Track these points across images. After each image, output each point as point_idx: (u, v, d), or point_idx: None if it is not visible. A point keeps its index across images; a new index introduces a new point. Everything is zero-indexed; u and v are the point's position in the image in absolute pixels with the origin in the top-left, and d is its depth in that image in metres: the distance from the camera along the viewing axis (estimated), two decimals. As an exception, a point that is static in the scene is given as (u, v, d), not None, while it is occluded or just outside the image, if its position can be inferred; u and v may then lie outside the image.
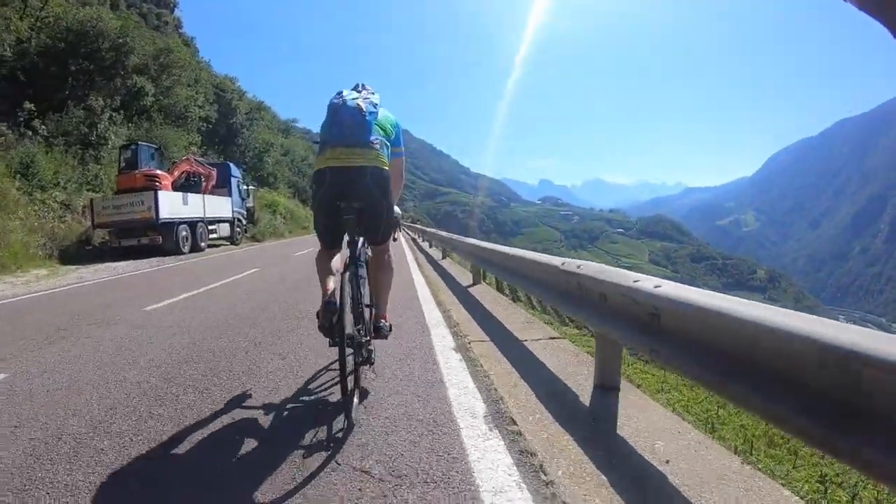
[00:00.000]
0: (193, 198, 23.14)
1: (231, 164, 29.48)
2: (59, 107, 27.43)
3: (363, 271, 4.26)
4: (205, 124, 42.03)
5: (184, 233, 21.96)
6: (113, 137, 27.31)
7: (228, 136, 49.15)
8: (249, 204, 33.51)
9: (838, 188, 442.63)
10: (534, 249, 8.90)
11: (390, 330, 4.28)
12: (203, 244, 23.70)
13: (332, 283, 3.91)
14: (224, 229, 26.69)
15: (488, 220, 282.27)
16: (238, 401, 4.12)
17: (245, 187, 30.57)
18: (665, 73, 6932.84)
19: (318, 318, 3.81)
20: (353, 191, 3.72)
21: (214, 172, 26.13)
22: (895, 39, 0.86)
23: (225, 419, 3.75)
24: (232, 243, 27.88)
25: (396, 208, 4.30)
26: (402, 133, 4.33)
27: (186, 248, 22.01)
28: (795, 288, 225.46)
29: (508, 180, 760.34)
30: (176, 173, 23.50)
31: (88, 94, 28.39)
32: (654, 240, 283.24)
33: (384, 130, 3.98)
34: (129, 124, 31.63)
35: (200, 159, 26.99)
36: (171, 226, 21.07)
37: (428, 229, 30.65)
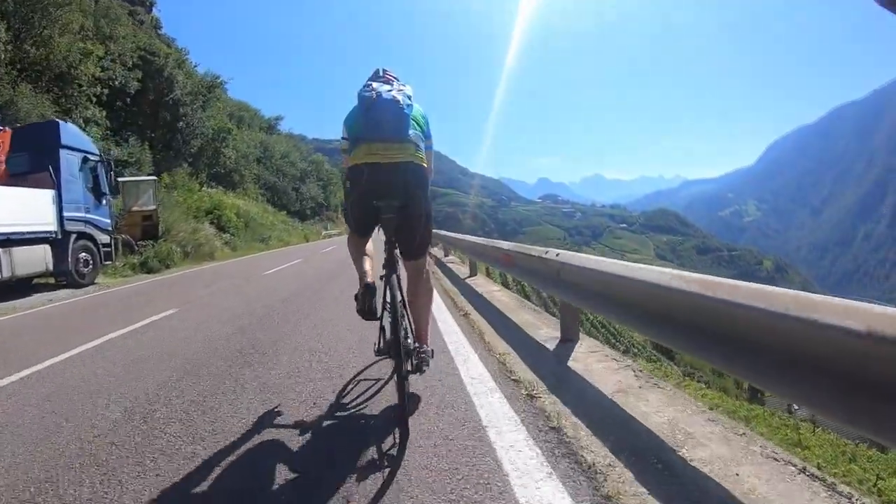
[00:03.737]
0: None
1: (64, 125, 14.60)
2: None
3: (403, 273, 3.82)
4: (106, 91, 27.31)
5: None
6: None
7: (174, 120, 35.16)
8: (149, 206, 20.29)
9: (838, 174, 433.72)
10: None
11: (432, 356, 3.82)
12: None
13: (368, 265, 3.70)
14: (34, 258, 12.69)
15: (489, 220, 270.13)
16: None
17: (110, 172, 15.79)
18: (658, 65, 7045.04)
19: (356, 300, 3.63)
20: (393, 188, 3.43)
21: (6, 139, 12.68)
22: None
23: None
24: (69, 283, 13.90)
25: None
26: (429, 124, 3.88)
27: None
28: (802, 277, 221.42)
29: (507, 179, 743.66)
30: None
31: None
32: (659, 234, 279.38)
33: (418, 124, 3.67)
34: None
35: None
36: None
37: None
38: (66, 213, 13.63)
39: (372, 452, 3.03)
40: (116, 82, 28.46)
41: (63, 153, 13.84)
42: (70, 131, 14.63)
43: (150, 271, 17.83)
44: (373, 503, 2.51)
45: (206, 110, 38.92)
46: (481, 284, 10.98)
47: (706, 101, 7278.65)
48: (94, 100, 26.08)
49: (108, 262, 15.81)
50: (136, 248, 18.88)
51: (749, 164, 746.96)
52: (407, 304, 3.76)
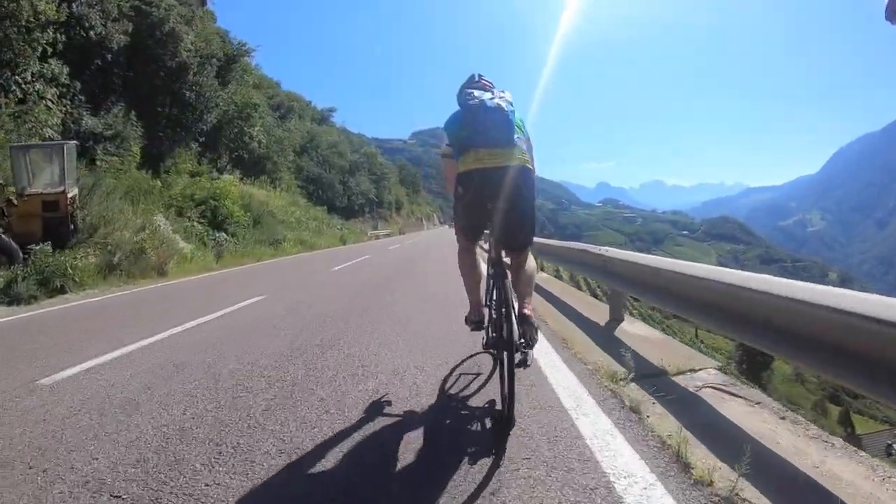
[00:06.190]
0: None
1: None
2: None
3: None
4: (63, 38, 18.88)
5: None
6: None
7: (181, 90, 26.44)
8: (57, 188, 12.25)
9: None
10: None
11: (537, 330, 3.55)
12: None
13: (481, 290, 4.02)
14: None
15: (549, 224, 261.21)
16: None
17: None
18: (721, 70, 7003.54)
19: (466, 322, 3.99)
20: (502, 190, 3.44)
21: None
22: None
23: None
24: None
25: None
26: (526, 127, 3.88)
27: None
28: (867, 292, 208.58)
29: (567, 183, 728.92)
30: None
31: None
32: (721, 242, 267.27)
33: (520, 129, 3.65)
34: None
35: None
36: None
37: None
38: None
39: (475, 444, 3.04)
40: (92, 32, 20.84)
41: None
42: None
43: (14, 301, 9.84)
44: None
45: (226, 85, 31.01)
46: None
47: (770, 106, 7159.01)
48: (50, 51, 18.41)
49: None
50: (21, 256, 11.05)
51: (813, 173, 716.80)
52: (511, 284, 3.63)
